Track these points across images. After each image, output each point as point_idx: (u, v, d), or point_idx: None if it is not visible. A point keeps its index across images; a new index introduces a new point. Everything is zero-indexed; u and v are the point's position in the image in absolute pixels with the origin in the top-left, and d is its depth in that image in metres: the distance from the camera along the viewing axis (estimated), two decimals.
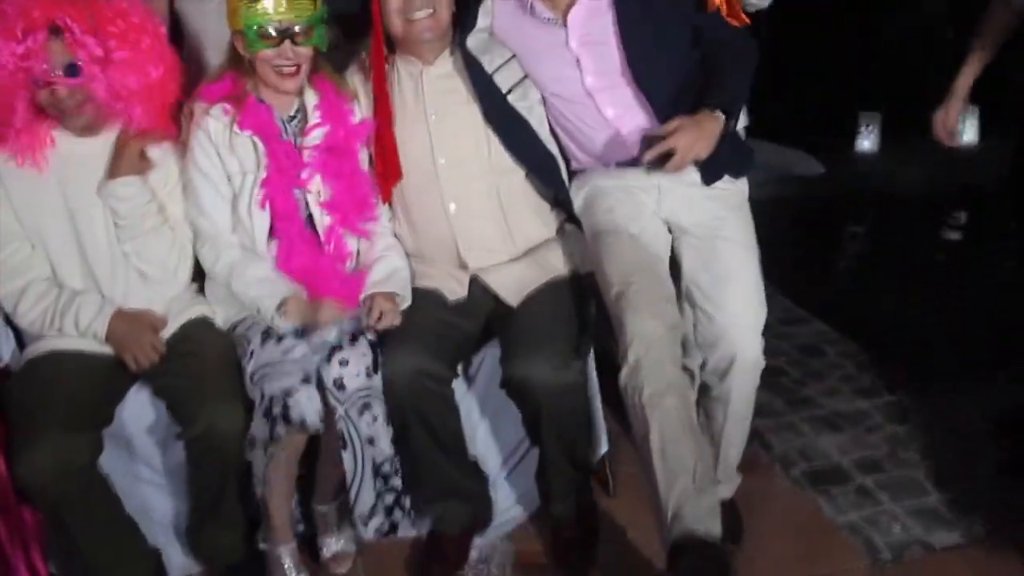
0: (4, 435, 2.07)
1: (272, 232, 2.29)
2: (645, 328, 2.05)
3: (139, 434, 2.27)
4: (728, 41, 2.30)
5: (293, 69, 2.21)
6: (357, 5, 2.35)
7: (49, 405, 2.06)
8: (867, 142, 6.15)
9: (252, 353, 2.18)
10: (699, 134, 2.10)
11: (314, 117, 2.29)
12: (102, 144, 2.22)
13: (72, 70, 2.07)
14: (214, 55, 2.44)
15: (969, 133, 6.29)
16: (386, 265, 2.34)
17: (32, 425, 2.02)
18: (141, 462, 2.31)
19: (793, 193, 5.15)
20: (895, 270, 4.32)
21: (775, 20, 3.19)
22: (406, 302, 2.30)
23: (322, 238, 2.32)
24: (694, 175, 2.29)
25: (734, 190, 2.37)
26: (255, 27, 2.14)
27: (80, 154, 2.20)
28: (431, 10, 2.24)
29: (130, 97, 2.14)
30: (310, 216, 2.32)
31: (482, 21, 2.38)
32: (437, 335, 2.26)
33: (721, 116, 2.14)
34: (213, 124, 2.23)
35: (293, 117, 2.30)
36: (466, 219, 2.37)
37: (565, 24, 2.27)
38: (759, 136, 3.06)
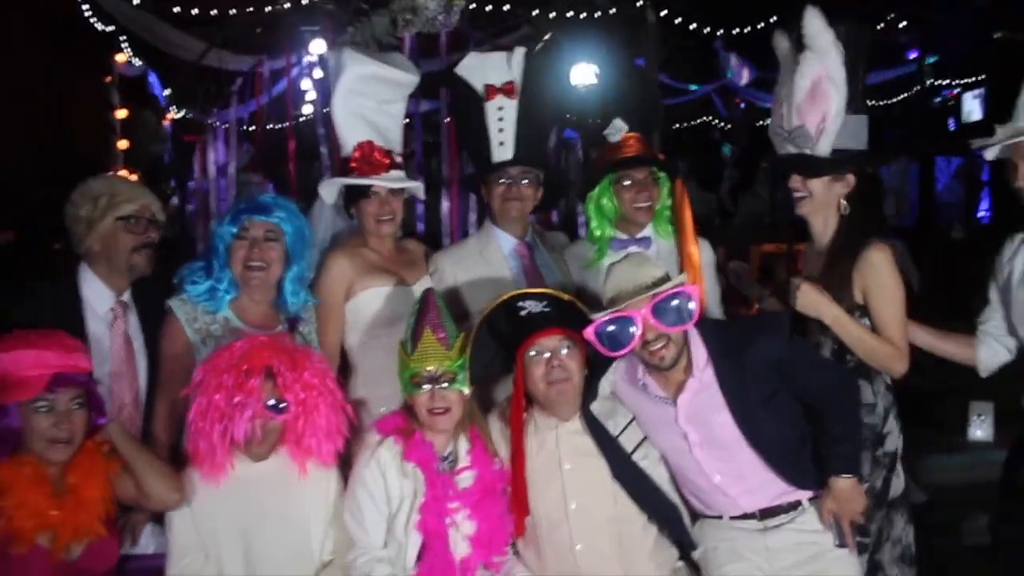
0: None
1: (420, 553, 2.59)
2: None
3: None
4: (829, 392, 2.60)
5: (442, 409, 2.58)
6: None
7: None
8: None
9: None
10: (845, 503, 2.52)
11: (465, 460, 2.67)
12: (273, 466, 2.61)
13: (277, 407, 2.50)
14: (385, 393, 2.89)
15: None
16: None
17: None
18: None
19: None
20: None
21: None
22: None
23: (458, 565, 2.61)
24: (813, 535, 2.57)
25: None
26: (408, 376, 2.57)
27: (255, 476, 2.59)
28: (568, 376, 2.62)
29: (316, 433, 2.56)
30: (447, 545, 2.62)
31: (605, 388, 2.74)
32: None
33: (851, 478, 2.48)
34: (384, 452, 2.62)
35: (446, 457, 2.67)
36: (590, 559, 2.64)
37: (675, 403, 2.61)
38: None
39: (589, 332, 2.55)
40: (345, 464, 2.73)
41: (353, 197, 3.13)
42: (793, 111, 2.80)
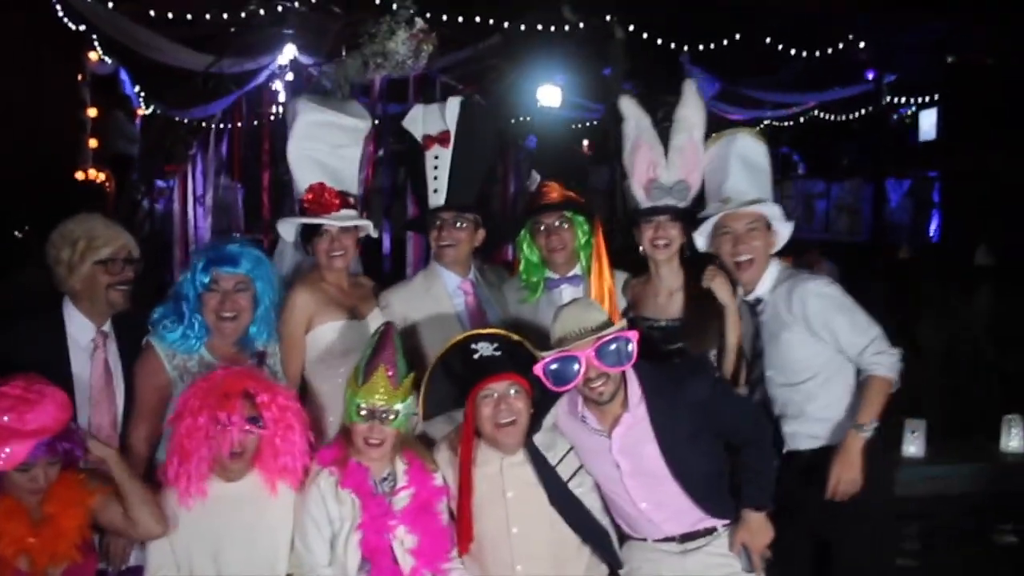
0: None
1: (360, 568, 2.83)
2: None
3: None
4: (747, 432, 2.89)
5: (377, 442, 2.82)
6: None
7: None
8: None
9: None
10: (756, 535, 2.82)
11: (402, 480, 2.91)
12: (244, 487, 2.83)
13: (256, 422, 2.74)
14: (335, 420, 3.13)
15: (1016, 440, 6.63)
16: None
17: None
18: None
19: None
20: None
21: None
22: None
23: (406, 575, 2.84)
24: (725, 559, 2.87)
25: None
26: (354, 405, 2.80)
27: (227, 496, 2.81)
28: (514, 418, 2.87)
29: (292, 451, 2.80)
30: (395, 560, 2.86)
31: (548, 421, 3.00)
32: None
33: (761, 512, 2.79)
34: (322, 481, 2.85)
35: (385, 479, 2.91)
36: None
37: (610, 436, 2.87)
38: None
39: (538, 368, 2.79)
40: None
41: (307, 235, 3.35)
42: (673, 167, 3.16)
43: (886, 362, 2.96)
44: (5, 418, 2.52)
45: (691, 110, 3.20)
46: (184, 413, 2.73)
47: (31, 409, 2.55)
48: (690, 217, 3.24)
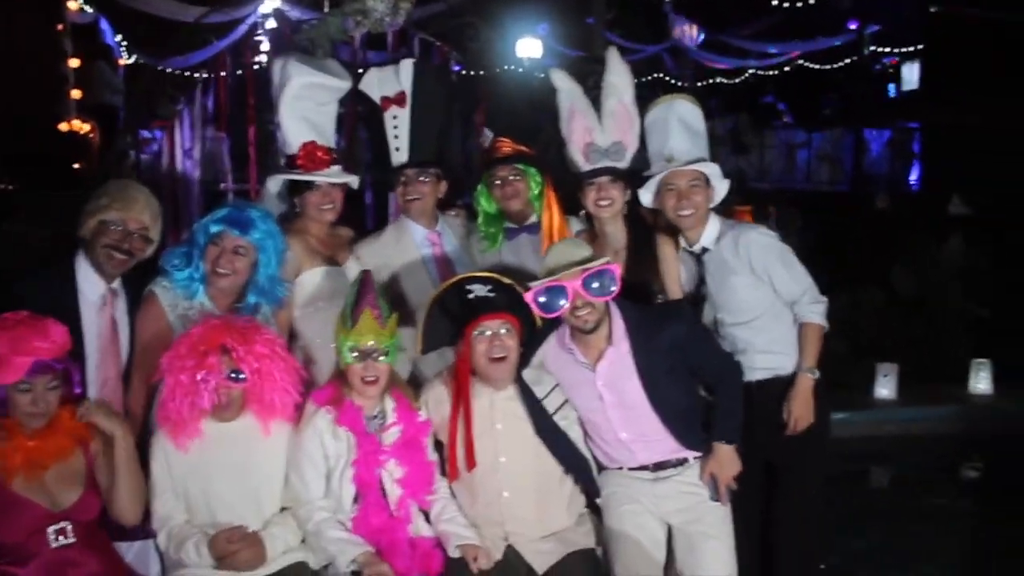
0: None
1: (354, 501, 3.00)
2: None
3: None
4: (719, 372, 3.11)
5: (373, 379, 2.98)
6: None
7: None
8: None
9: None
10: (724, 467, 3.03)
11: (391, 417, 3.07)
12: (239, 427, 2.98)
13: (237, 376, 2.87)
14: (321, 356, 3.30)
15: (983, 384, 6.88)
16: (463, 526, 3.04)
17: None
18: None
19: None
20: None
21: None
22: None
23: (392, 507, 3.03)
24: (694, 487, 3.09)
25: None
26: (347, 348, 2.96)
27: (222, 435, 2.96)
28: (505, 355, 3.05)
29: (274, 391, 2.93)
30: (383, 491, 3.02)
31: (536, 359, 3.17)
32: None
33: (731, 445, 3.01)
34: (319, 420, 3.01)
35: (375, 416, 3.06)
36: (514, 504, 3.08)
37: (595, 369, 3.04)
38: None
39: (529, 296, 2.99)
40: None
41: (298, 189, 3.49)
42: (607, 130, 3.37)
43: (819, 310, 3.25)
44: (6, 337, 2.68)
45: (617, 76, 3.38)
46: (167, 372, 2.87)
47: (32, 331, 2.71)
48: (630, 177, 3.42)
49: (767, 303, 3.27)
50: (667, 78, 15.08)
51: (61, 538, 2.74)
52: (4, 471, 2.72)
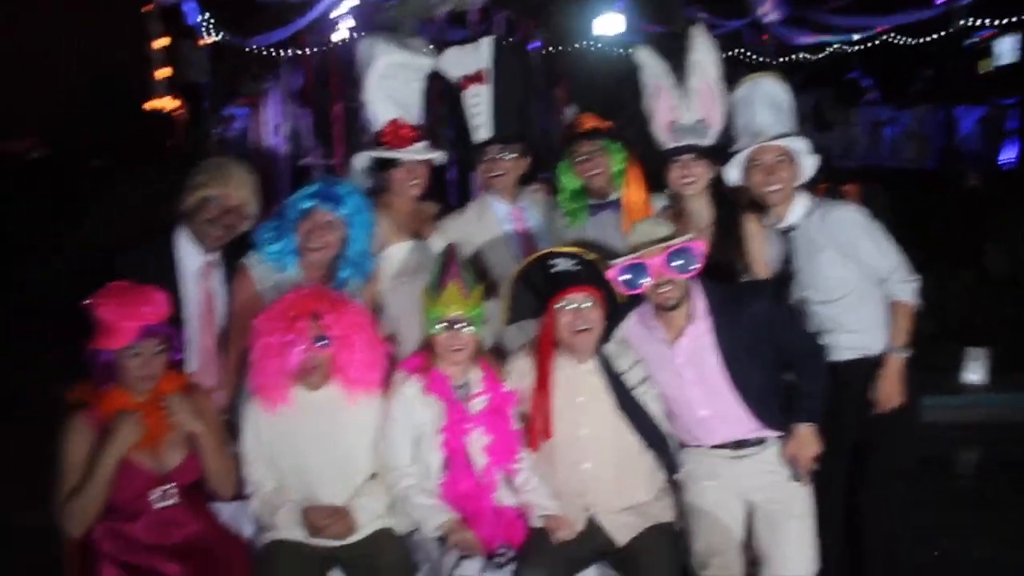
0: None
1: (441, 468, 3.06)
2: None
3: None
4: (802, 351, 3.08)
5: (459, 347, 3.02)
6: None
7: None
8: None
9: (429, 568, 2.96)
10: (804, 447, 2.99)
11: (478, 387, 3.12)
12: (326, 395, 3.05)
13: (322, 340, 2.94)
14: (406, 329, 3.35)
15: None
16: (546, 497, 3.08)
17: None
18: None
19: None
20: None
21: None
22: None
23: (478, 474, 3.07)
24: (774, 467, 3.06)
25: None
26: (433, 318, 3.01)
27: (307, 404, 3.04)
28: (589, 327, 3.06)
29: (355, 364, 2.99)
30: (469, 459, 3.07)
31: (618, 335, 3.18)
32: (566, 557, 2.98)
33: (811, 426, 2.96)
34: (408, 388, 3.07)
35: (461, 386, 3.11)
36: (595, 476, 3.11)
37: (674, 346, 3.05)
38: None
39: (612, 273, 3.01)
40: None
41: (384, 166, 3.56)
42: (692, 107, 3.36)
43: (911, 288, 3.20)
44: (114, 304, 2.81)
45: (702, 54, 3.37)
46: (258, 335, 2.97)
47: (137, 297, 2.84)
48: (715, 154, 3.40)
49: (854, 282, 3.22)
50: (748, 54, 14.76)
51: (165, 499, 2.88)
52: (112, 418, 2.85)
